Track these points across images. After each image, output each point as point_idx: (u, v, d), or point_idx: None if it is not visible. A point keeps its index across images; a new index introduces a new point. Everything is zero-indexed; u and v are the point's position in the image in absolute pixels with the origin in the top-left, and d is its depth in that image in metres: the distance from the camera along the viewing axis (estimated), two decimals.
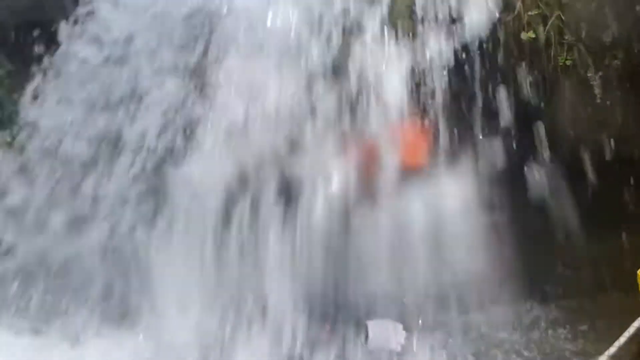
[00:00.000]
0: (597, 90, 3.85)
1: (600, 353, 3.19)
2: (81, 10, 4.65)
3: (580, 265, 3.96)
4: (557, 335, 3.83)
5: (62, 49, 4.48)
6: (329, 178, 3.54)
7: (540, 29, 3.88)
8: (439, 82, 3.81)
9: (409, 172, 3.59)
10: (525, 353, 3.72)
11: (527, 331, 3.88)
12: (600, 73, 3.83)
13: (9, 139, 5.28)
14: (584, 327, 3.82)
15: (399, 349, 3.57)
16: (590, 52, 3.84)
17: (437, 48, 3.74)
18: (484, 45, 3.87)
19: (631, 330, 3.07)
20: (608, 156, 3.81)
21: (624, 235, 3.78)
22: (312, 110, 3.63)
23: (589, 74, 3.86)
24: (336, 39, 3.70)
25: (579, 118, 3.88)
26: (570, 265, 4.02)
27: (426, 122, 3.66)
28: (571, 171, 3.87)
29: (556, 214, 3.77)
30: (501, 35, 3.90)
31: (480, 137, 3.82)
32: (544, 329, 3.90)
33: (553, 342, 3.79)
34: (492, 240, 3.55)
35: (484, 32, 3.82)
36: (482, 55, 3.85)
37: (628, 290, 3.18)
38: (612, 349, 3.13)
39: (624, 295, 3.33)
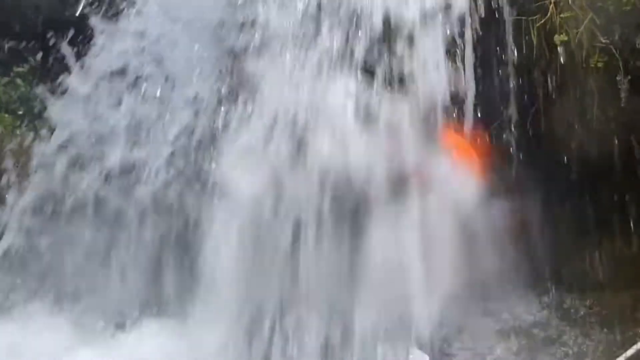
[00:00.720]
0: (623, 94, 3.92)
1: None
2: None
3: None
4: None
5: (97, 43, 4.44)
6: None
7: (573, 31, 3.92)
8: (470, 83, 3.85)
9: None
10: None
11: None
12: (629, 77, 3.86)
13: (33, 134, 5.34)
14: None
15: None
16: (621, 55, 3.88)
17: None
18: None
19: None
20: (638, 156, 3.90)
21: None
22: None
23: (617, 77, 3.89)
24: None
25: (607, 119, 3.95)
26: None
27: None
28: (595, 171, 3.97)
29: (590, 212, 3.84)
30: (534, 38, 3.96)
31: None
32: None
33: None
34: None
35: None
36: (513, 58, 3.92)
37: None
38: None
39: None
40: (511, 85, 3.96)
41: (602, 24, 3.89)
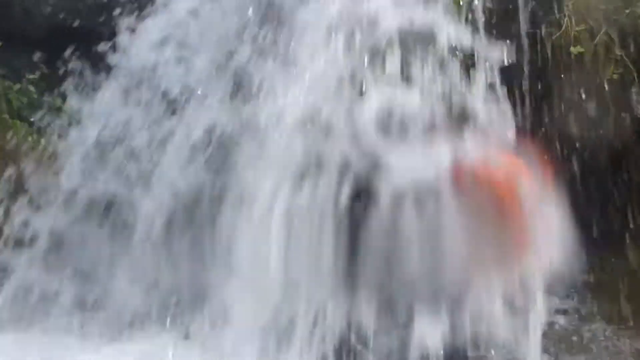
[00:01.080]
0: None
1: None
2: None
3: None
4: None
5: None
6: None
7: (588, 44, 4.01)
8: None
9: None
10: None
11: None
12: None
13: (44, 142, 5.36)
14: None
15: None
16: (636, 67, 3.97)
17: None
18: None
19: None
20: None
21: None
22: None
23: (633, 89, 3.99)
24: None
25: (622, 128, 4.04)
26: None
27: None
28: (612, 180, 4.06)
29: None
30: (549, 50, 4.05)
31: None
32: None
33: None
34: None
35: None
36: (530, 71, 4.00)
37: None
38: None
39: None
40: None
41: (617, 36, 4.00)
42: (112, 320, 4.01)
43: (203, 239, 3.92)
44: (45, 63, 5.43)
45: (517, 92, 3.97)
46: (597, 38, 4.00)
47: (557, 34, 4.09)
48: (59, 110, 5.12)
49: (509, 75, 3.97)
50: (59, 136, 4.83)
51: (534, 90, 3.97)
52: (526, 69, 3.96)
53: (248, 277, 3.37)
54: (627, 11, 3.97)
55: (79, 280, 4.21)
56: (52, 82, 5.47)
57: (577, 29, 4.07)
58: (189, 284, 3.96)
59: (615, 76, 3.98)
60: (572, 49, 4.01)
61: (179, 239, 4.04)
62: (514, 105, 3.97)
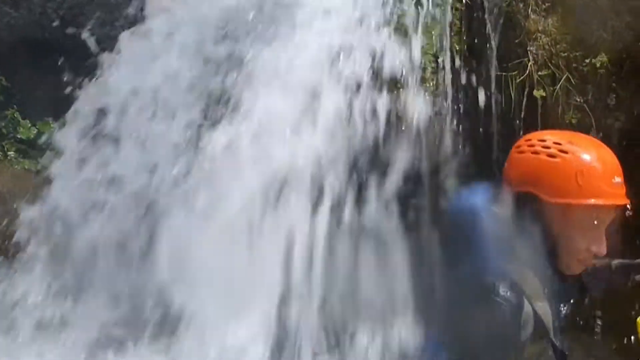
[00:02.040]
0: None
1: None
2: None
3: None
4: None
5: None
6: None
7: (550, 89, 4.25)
8: None
9: None
10: None
11: None
12: (601, 134, 4.19)
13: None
14: None
15: None
16: (593, 113, 4.23)
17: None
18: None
19: None
20: None
21: None
22: None
23: (591, 133, 4.22)
24: None
25: None
26: None
27: None
28: None
29: None
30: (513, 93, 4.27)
31: None
32: None
33: None
34: None
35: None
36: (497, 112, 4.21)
37: None
38: None
39: None
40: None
41: (577, 83, 4.25)
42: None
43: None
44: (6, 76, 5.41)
45: (484, 134, 4.18)
46: (559, 84, 4.23)
47: (521, 78, 4.31)
48: None
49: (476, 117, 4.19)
50: None
51: (501, 132, 4.17)
52: (495, 109, 4.16)
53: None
54: (587, 61, 4.21)
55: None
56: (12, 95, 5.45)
57: (539, 73, 4.30)
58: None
59: (574, 120, 4.22)
60: (535, 92, 4.24)
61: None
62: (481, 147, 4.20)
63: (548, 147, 2.85)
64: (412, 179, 3.36)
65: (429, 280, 2.81)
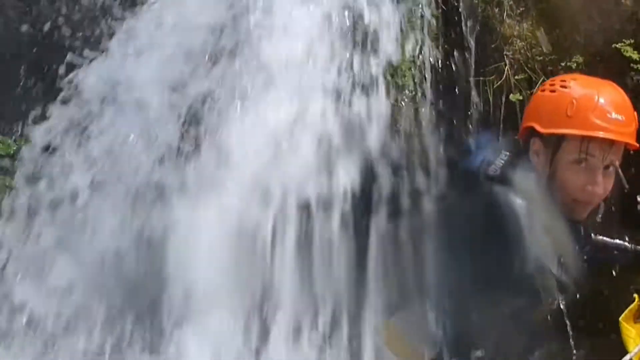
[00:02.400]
0: None
1: None
2: None
3: None
4: None
5: None
6: None
7: (527, 92, 4.31)
8: None
9: None
10: None
11: None
12: None
13: None
14: None
15: None
16: None
17: None
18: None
19: None
20: None
21: None
22: None
23: None
24: None
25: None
26: None
27: None
28: None
29: None
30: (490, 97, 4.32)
31: None
32: None
33: None
34: None
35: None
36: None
37: None
38: None
39: None
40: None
41: None
42: None
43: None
44: None
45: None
46: (535, 87, 4.28)
47: (499, 82, 4.36)
48: None
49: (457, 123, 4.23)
50: None
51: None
52: (473, 114, 4.20)
53: None
54: (562, 64, 4.28)
55: None
56: None
57: (516, 77, 4.36)
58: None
59: None
60: (511, 96, 4.29)
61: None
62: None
63: (553, 84, 2.98)
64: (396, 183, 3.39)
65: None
